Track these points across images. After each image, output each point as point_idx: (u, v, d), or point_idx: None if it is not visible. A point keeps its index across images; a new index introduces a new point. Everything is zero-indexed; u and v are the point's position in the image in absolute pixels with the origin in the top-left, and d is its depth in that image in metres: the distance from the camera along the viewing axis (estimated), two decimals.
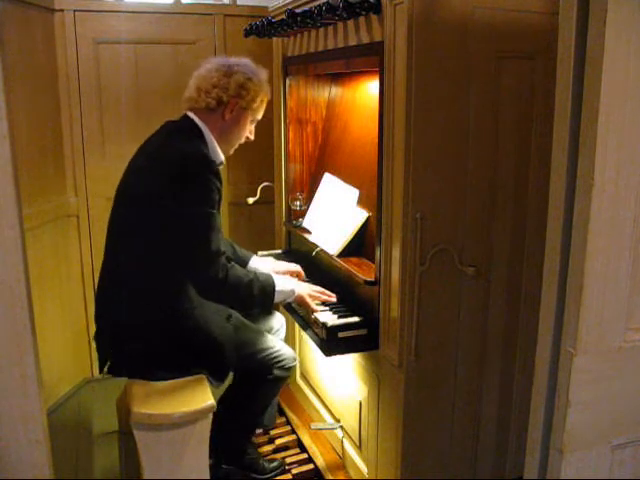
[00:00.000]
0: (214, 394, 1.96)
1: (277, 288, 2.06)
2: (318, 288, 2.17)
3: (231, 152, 2.11)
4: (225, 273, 1.91)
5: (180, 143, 1.92)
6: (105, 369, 2.04)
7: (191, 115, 1.99)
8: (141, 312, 1.94)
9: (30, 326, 1.08)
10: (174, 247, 1.88)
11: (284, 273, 2.28)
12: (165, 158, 1.88)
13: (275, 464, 2.39)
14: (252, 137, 2.13)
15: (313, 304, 2.10)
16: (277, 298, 2.06)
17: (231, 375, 2.19)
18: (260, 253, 2.54)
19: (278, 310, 2.52)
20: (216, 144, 1.99)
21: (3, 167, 1.01)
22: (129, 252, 1.95)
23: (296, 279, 2.26)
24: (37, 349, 1.10)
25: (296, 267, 2.33)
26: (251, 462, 2.34)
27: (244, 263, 2.29)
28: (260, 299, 2.03)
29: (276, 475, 2.38)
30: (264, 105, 2.09)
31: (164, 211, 1.84)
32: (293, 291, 2.10)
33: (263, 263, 2.35)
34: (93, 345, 2.11)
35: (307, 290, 2.13)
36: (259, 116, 2.10)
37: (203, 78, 2.00)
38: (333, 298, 2.15)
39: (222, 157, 2.02)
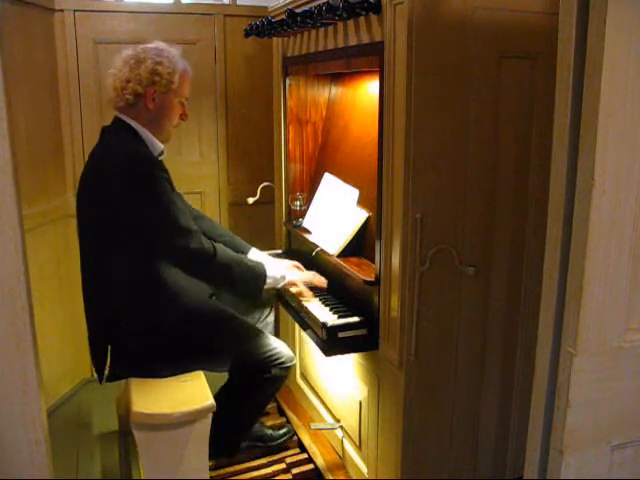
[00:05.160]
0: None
1: (268, 273, 2.10)
2: (311, 273, 2.20)
3: (170, 137, 2.09)
4: (213, 247, 1.97)
5: (116, 148, 1.94)
6: (105, 376, 2.05)
7: (120, 116, 2.00)
8: (127, 308, 1.96)
9: (30, 326, 1.08)
10: (147, 241, 1.91)
11: None
12: (107, 167, 1.91)
13: (284, 430, 2.44)
14: (186, 118, 2.10)
15: (304, 287, 2.15)
16: (268, 283, 2.10)
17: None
18: None
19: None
20: (151, 136, 1.99)
21: (3, 167, 1.01)
22: (103, 261, 1.96)
23: (290, 265, 2.29)
24: (37, 349, 1.10)
25: (295, 263, 2.34)
26: (258, 435, 2.39)
27: (241, 254, 2.30)
28: (251, 278, 2.07)
29: (286, 440, 2.44)
30: (186, 82, 2.05)
31: (126, 216, 1.88)
32: (284, 277, 2.14)
33: (261, 256, 2.36)
34: None
35: (299, 276, 2.18)
36: (186, 94, 2.06)
37: (115, 76, 1.99)
38: (324, 284, 2.19)
39: (161, 147, 2.03)
